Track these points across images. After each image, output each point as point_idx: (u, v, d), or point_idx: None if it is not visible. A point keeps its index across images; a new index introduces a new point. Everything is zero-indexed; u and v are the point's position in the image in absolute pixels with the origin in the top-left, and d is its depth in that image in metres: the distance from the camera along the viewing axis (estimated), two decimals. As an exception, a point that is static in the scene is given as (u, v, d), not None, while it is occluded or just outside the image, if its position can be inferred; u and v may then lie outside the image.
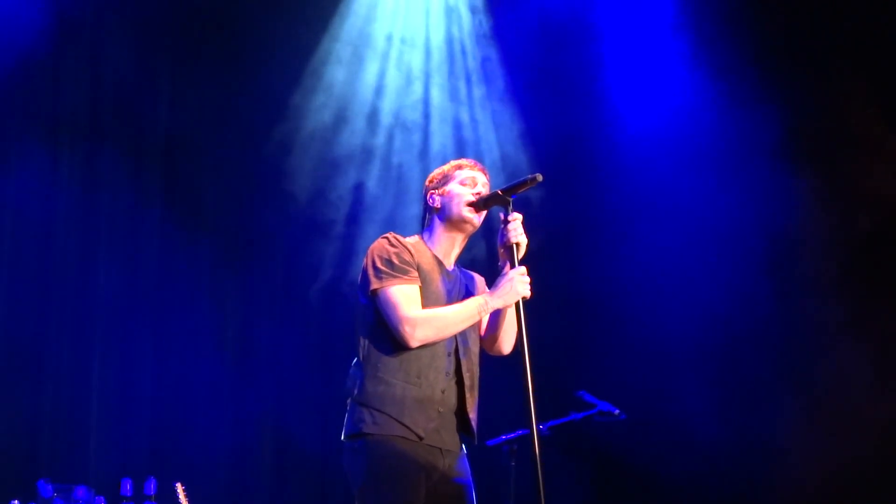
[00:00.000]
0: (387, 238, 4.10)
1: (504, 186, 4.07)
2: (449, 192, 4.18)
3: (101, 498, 5.84)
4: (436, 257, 4.18)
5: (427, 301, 4.04)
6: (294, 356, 7.66)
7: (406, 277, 4.01)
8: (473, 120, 7.91)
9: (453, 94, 7.92)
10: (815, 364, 6.99)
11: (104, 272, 7.12)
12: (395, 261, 4.02)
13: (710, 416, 7.15)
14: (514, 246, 4.05)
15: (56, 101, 7.00)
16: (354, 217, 7.73)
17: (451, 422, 4.10)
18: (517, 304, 4.02)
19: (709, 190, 7.44)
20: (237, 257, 7.67)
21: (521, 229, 4.06)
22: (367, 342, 4.07)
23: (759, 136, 7.23)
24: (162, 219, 7.38)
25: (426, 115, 7.89)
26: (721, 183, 7.42)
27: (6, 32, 6.74)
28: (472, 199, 4.15)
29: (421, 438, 3.99)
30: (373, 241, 4.11)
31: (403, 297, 3.98)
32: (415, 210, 7.63)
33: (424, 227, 4.26)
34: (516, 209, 4.05)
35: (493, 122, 7.89)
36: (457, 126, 7.90)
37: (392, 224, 7.53)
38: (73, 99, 7.07)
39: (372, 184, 7.77)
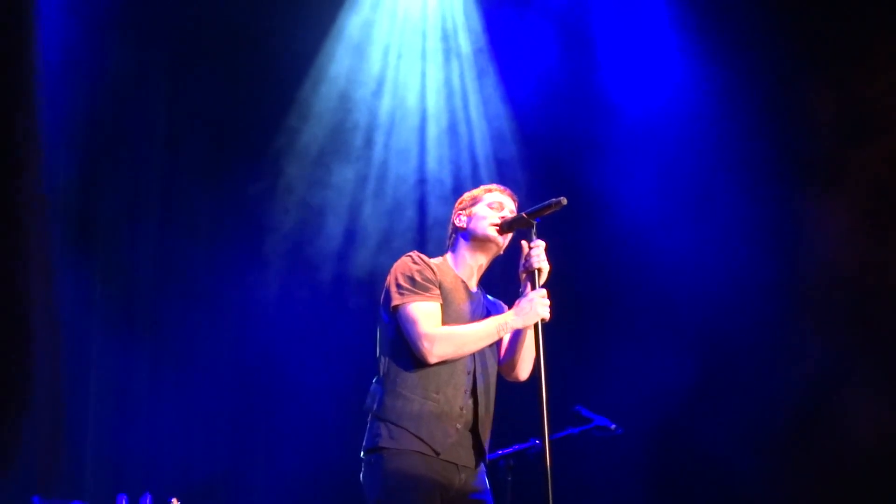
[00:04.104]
0: (410, 256, 4.21)
1: (529, 210, 4.18)
2: (475, 214, 4.30)
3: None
4: (459, 277, 4.28)
5: (448, 319, 4.12)
6: (291, 371, 7.64)
7: (427, 295, 4.09)
8: (467, 114, 7.91)
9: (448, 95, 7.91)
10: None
11: (101, 282, 7.11)
12: (418, 278, 4.11)
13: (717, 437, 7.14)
14: (536, 271, 4.13)
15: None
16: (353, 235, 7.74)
17: (468, 439, 4.16)
18: (535, 327, 4.08)
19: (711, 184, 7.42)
20: (236, 270, 7.66)
21: (543, 255, 4.15)
22: (387, 358, 4.15)
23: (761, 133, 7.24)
24: (160, 232, 7.38)
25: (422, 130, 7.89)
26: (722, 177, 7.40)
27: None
28: (498, 221, 4.23)
29: (438, 454, 4.05)
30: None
31: (423, 313, 4.06)
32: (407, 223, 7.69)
33: (449, 248, 4.36)
34: (540, 234, 4.13)
35: (486, 117, 7.87)
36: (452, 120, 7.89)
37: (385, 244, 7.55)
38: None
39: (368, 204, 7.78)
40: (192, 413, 7.27)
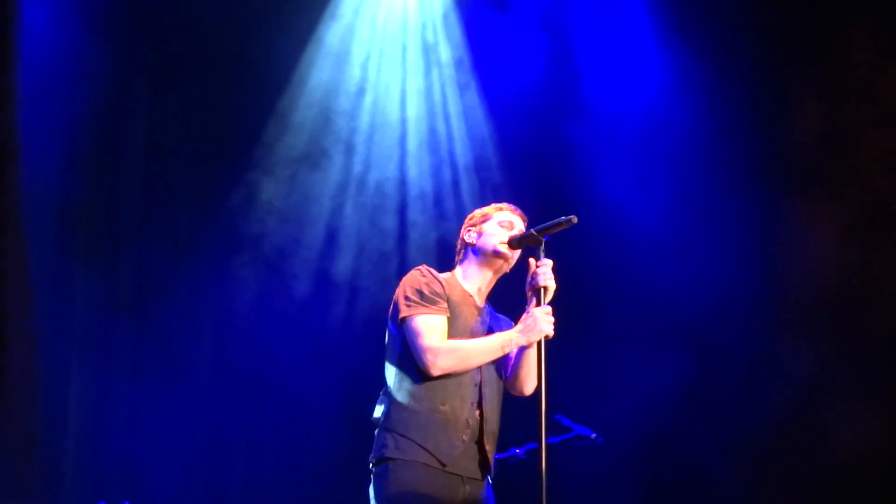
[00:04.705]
0: (419, 270, 4.27)
1: (538, 227, 4.20)
2: (485, 231, 4.36)
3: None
4: (467, 292, 4.34)
5: (454, 333, 4.17)
6: (272, 378, 7.62)
7: (434, 308, 4.15)
8: (447, 119, 7.91)
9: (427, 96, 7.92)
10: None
11: (80, 290, 7.09)
12: (426, 291, 4.17)
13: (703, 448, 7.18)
14: (542, 289, 4.15)
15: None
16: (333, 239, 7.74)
17: (474, 451, 4.19)
18: (538, 343, 4.10)
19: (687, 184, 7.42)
20: (216, 277, 7.64)
21: (550, 274, 4.17)
22: (395, 370, 4.20)
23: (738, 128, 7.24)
24: (140, 240, 7.38)
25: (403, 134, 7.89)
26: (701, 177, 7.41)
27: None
28: (507, 239, 4.30)
29: (444, 465, 4.09)
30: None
31: (429, 326, 4.12)
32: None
33: (458, 263, 4.43)
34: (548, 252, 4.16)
35: (466, 123, 7.88)
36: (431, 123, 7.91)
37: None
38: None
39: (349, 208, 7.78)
40: (173, 421, 7.24)
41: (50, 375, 6.84)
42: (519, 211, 4.48)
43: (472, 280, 4.38)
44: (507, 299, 4.50)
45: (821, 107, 7.08)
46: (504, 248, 4.32)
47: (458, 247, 4.48)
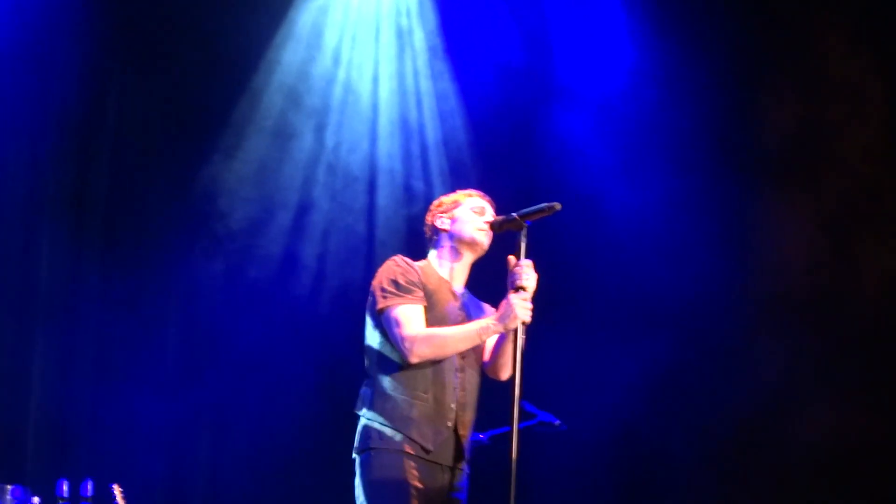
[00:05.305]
0: (395, 260, 4.29)
1: (521, 211, 4.19)
2: (459, 217, 4.38)
3: (38, 499, 5.76)
4: (443, 279, 4.35)
5: (433, 321, 4.19)
6: (235, 356, 7.61)
7: (410, 297, 4.17)
8: (419, 102, 7.90)
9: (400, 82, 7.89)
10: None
11: (46, 267, 7.04)
12: (402, 281, 4.19)
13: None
14: (521, 289, 4.13)
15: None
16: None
17: (454, 437, 4.22)
18: (516, 330, 4.11)
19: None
20: (183, 258, 7.60)
21: (531, 273, 4.15)
22: (375, 360, 4.23)
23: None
24: (106, 220, 7.33)
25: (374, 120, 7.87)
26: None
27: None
28: (484, 225, 4.32)
29: (428, 452, 4.12)
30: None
31: (405, 315, 4.14)
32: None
33: (431, 250, 4.43)
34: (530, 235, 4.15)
35: (437, 105, 7.86)
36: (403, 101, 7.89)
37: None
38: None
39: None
40: (136, 398, 7.21)
41: (12, 352, 6.81)
42: (488, 197, 4.50)
43: (448, 266, 4.39)
44: (488, 286, 4.51)
45: (797, 97, 7.08)
46: (482, 236, 4.34)
47: (429, 233, 4.48)
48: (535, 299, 4.18)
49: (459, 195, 4.49)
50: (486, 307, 4.48)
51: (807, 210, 7.00)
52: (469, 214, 4.39)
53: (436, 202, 4.52)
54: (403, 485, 4.05)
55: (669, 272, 7.26)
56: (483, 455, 5.21)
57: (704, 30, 7.32)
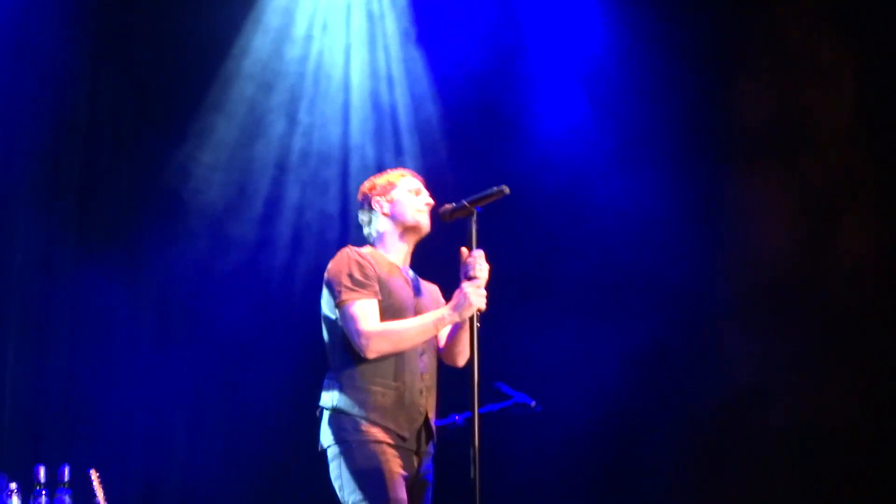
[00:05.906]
0: (345, 253, 4.23)
1: (470, 198, 4.15)
2: (398, 200, 4.32)
3: (15, 484, 5.77)
4: (393, 264, 4.31)
5: (389, 307, 4.17)
6: (215, 342, 7.61)
7: (364, 291, 4.13)
8: (390, 85, 7.90)
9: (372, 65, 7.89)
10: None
11: (20, 252, 7.00)
12: (356, 274, 4.14)
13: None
14: (473, 279, 4.12)
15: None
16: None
17: (425, 422, 4.23)
18: (471, 318, 4.12)
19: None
20: (156, 243, 7.59)
21: (483, 263, 4.15)
22: (339, 354, 4.20)
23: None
24: (79, 205, 7.29)
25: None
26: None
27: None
28: (424, 207, 4.30)
29: (404, 440, 4.12)
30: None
31: (361, 311, 4.10)
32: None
33: (373, 235, 4.36)
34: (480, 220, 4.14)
35: (409, 88, 7.86)
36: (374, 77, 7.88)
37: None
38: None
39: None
40: (112, 383, 7.21)
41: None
42: (419, 175, 4.47)
43: (395, 251, 4.35)
44: (438, 274, 4.52)
45: (771, 82, 7.11)
46: (424, 219, 4.33)
47: (366, 218, 4.39)
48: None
49: (392, 175, 4.43)
50: (429, 287, 4.47)
51: (784, 195, 7.02)
52: (407, 196, 4.34)
53: (367, 184, 4.43)
54: (391, 474, 4.04)
55: (648, 258, 7.29)
56: (456, 436, 5.24)
57: (677, 15, 7.31)
